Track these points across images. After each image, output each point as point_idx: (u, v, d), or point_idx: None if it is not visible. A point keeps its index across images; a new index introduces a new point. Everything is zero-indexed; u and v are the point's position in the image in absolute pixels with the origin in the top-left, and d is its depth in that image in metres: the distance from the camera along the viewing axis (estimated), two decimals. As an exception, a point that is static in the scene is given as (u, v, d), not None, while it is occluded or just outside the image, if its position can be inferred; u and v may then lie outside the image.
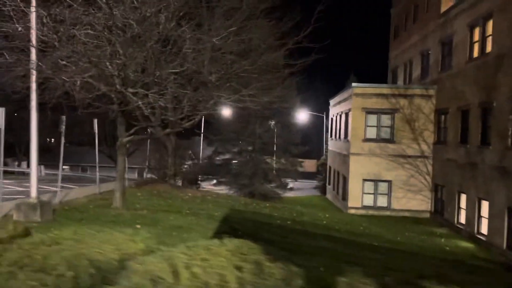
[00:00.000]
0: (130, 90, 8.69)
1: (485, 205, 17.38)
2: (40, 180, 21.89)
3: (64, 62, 9.37)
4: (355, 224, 17.56)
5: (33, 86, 9.44)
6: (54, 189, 15.84)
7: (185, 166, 24.40)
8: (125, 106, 9.68)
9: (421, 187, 23.48)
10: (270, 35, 9.90)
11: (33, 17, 9.45)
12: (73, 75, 8.54)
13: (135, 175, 31.63)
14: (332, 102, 32.77)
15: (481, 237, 17.43)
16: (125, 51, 8.45)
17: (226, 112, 23.25)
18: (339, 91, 30.72)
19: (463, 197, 19.37)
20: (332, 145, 31.75)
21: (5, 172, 28.61)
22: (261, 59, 9.60)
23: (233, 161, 25.86)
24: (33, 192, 9.54)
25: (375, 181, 23.82)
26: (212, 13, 8.81)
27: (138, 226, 9.35)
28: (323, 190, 36.38)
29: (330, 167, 32.60)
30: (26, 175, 30.75)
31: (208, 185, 29.95)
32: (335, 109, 31.14)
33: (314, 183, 41.23)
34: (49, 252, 5.21)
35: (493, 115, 16.68)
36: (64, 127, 11.79)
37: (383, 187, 23.81)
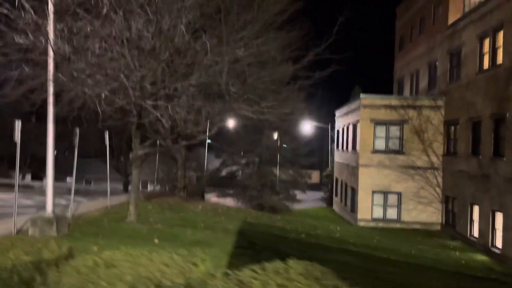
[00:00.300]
0: (149, 102, 8.59)
1: (499, 217, 17.15)
2: (43, 192, 21.75)
3: (80, 75, 9.30)
4: (367, 237, 17.31)
5: (50, 99, 9.36)
6: (64, 202, 15.70)
7: (190, 178, 24.27)
8: (143, 119, 9.57)
9: (432, 199, 23.24)
10: (286, 47, 9.82)
11: (50, 29, 9.41)
12: (94, 87, 8.45)
13: (140, 188, 31.42)
14: (338, 113, 32.70)
15: (496, 250, 17.16)
16: (141, 63, 8.38)
17: (232, 123, 23.20)
18: (343, 103, 30.72)
19: (476, 209, 19.14)
20: (339, 156, 31.60)
21: (8, 185, 28.46)
22: (279, 70, 9.52)
23: (241, 173, 25.72)
24: (49, 206, 9.38)
25: (385, 193, 23.61)
26: (228, 25, 8.74)
27: (156, 241, 9.17)
28: (329, 201, 36.11)
29: (337, 179, 32.38)
30: (30, 188, 30.57)
31: (211, 197, 29.76)
32: (341, 120, 31.06)
33: (319, 194, 40.93)
34: (109, 276, 4.96)
35: (506, 126, 16.55)
36: (77, 139, 11.66)
37: (392, 199, 23.59)
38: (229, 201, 26.47)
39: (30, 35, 10.00)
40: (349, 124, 27.72)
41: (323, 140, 50.20)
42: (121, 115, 9.82)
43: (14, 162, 9.59)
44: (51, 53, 9.37)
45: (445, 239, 20.77)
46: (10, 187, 26.54)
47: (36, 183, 35.41)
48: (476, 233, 19.12)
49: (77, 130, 11.74)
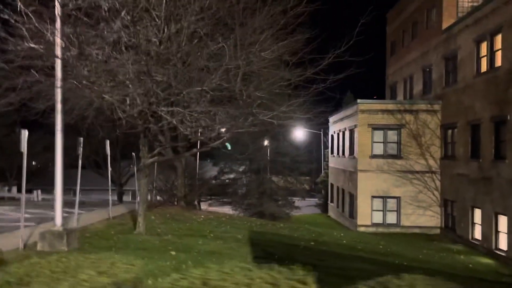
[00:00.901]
0: (164, 108, 8.28)
1: (502, 220, 17.20)
2: (38, 205, 20.98)
3: (89, 81, 8.95)
4: (373, 243, 17.15)
5: (58, 106, 8.96)
6: (64, 214, 15.10)
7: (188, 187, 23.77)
8: (157, 126, 9.24)
9: (430, 203, 23.28)
10: (299, 50, 9.63)
11: (58, 35, 9.05)
12: (109, 93, 8.09)
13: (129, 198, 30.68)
14: (332, 119, 32.70)
15: (500, 253, 17.18)
16: (154, 69, 8.08)
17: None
18: (334, 108, 30.69)
19: (478, 212, 19.19)
20: (335, 162, 31.54)
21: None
22: (295, 74, 9.32)
23: (239, 181, 25.40)
24: (58, 220, 8.93)
25: (384, 198, 23.56)
26: (243, 29, 8.53)
27: (173, 252, 8.81)
28: (324, 208, 35.94)
29: (332, 185, 32.29)
30: (18, 201, 29.43)
31: (206, 206, 29.26)
32: (336, 126, 31.05)
33: (311, 201, 40.69)
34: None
35: (508, 128, 16.67)
36: (81, 149, 11.22)
37: (392, 203, 23.56)
38: (226, 210, 26.09)
39: (31, 42, 9.64)
40: (345, 129, 27.70)
41: (313, 146, 50.13)
42: (137, 122, 9.42)
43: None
44: (58, 59, 9.00)
45: (446, 243, 20.76)
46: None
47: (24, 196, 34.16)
48: (478, 236, 19.15)
49: (81, 140, 11.31)
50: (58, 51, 9.03)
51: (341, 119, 29.15)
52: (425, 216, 23.26)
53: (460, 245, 19.90)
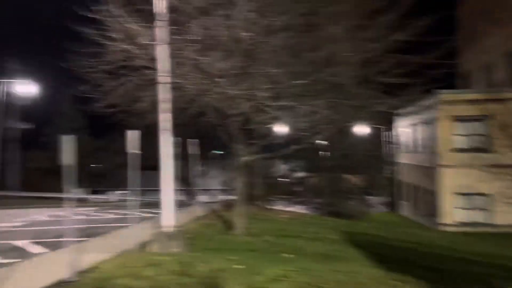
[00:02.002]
0: (274, 103, 7.88)
1: None
2: (118, 206, 21.53)
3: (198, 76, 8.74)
4: (469, 244, 15.89)
5: (163, 106, 8.84)
6: (145, 214, 15.34)
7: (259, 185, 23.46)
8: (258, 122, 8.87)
9: (525, 199, 21.26)
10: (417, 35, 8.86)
11: (160, 33, 8.95)
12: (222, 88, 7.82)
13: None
14: (403, 112, 31.03)
15: None
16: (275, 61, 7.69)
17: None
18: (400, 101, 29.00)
19: None
20: (407, 157, 29.92)
21: (68, 199, 28.59)
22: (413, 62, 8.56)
23: (311, 179, 24.81)
24: (170, 221, 8.80)
25: (470, 195, 21.86)
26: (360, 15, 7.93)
27: (286, 255, 8.39)
28: (391, 206, 34.26)
29: (402, 182, 30.68)
30: (93, 202, 30.48)
31: (274, 205, 28.74)
32: (408, 120, 29.43)
33: (373, 199, 38.71)
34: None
35: None
36: (178, 148, 11.12)
37: (479, 200, 21.80)
38: (296, 209, 25.53)
39: (132, 43, 9.63)
40: (420, 122, 26.13)
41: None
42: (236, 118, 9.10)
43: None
44: (161, 56, 8.90)
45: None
46: (69, 201, 26.61)
47: (97, 197, 35.36)
48: None
49: (178, 139, 11.22)
50: (161, 51, 8.93)
51: (414, 112, 27.54)
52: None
53: None
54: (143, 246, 8.95)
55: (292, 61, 8.93)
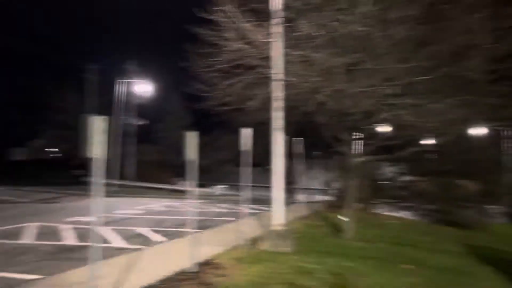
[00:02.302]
0: (407, 100, 7.25)
1: None
2: (223, 201, 22.35)
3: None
4: None
5: (278, 104, 8.78)
6: (250, 210, 15.55)
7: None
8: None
9: None
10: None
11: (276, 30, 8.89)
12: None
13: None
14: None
15: None
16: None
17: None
18: None
19: None
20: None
21: (176, 191, 30.59)
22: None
23: (418, 184, 23.07)
24: (279, 219, 8.74)
25: None
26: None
27: (407, 266, 7.73)
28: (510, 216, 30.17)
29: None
30: (193, 195, 32.10)
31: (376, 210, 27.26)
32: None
33: (493, 208, 34.44)
34: None
35: None
36: (301, 147, 11.04)
37: None
38: (399, 214, 23.92)
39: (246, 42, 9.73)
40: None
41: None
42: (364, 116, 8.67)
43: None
44: (276, 54, 8.85)
45: None
46: (178, 193, 28.39)
47: (202, 190, 37.33)
48: None
49: (301, 140, 11.11)
50: (276, 49, 8.87)
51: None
52: None
53: None
54: (253, 242, 9.01)
55: (415, 56, 8.19)
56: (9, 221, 11.98)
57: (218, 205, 19.50)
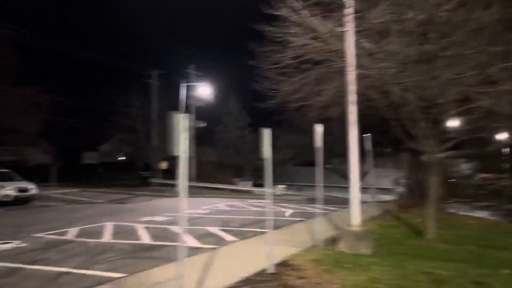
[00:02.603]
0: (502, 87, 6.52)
1: None
2: (287, 200, 22.04)
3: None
4: None
5: (352, 97, 8.35)
6: (315, 210, 15.10)
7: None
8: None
9: None
10: None
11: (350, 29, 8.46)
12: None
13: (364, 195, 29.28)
14: None
15: None
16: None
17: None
18: None
19: None
20: None
21: (235, 191, 30.78)
22: None
23: (497, 181, 21.30)
24: (357, 220, 8.30)
25: None
26: None
27: (507, 271, 6.97)
28: None
29: None
30: (257, 195, 32.25)
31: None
32: None
33: None
34: None
35: None
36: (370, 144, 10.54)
37: None
38: (481, 214, 22.18)
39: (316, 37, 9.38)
40: None
41: None
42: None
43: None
44: (348, 46, 8.43)
45: None
46: (238, 193, 28.48)
47: (261, 190, 37.49)
48: None
49: (369, 136, 10.61)
50: (348, 41, 8.46)
51: None
52: None
53: None
54: (328, 243, 8.64)
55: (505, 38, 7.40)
56: (86, 221, 12.60)
57: (282, 204, 19.25)
